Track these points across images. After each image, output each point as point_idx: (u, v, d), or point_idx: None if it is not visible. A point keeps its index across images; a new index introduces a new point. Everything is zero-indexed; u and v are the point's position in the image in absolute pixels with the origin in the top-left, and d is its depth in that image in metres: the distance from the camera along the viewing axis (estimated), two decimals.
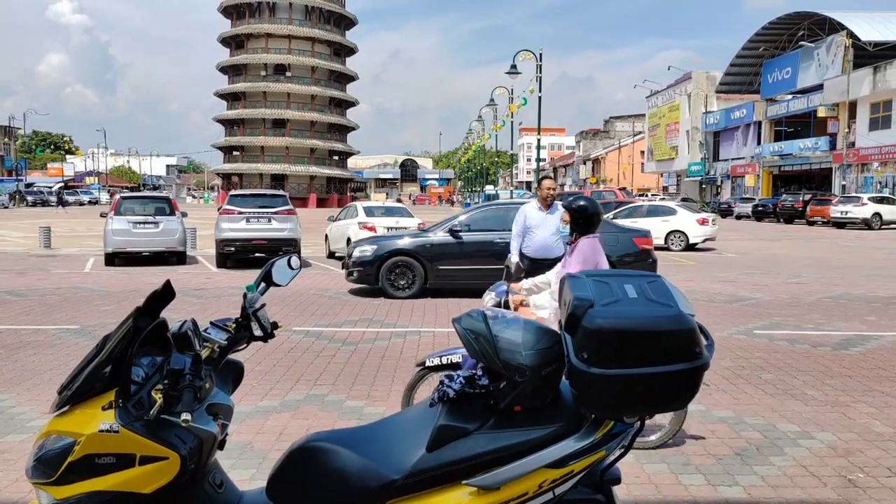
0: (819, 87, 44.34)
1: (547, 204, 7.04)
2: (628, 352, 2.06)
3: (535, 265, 6.67)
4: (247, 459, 4.36)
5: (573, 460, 2.20)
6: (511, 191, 51.44)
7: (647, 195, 55.05)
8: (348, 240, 16.53)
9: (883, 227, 31.38)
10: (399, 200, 51.95)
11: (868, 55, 41.27)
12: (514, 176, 75.59)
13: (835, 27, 44.31)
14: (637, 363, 2.06)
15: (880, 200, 32.84)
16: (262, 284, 2.69)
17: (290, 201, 16.88)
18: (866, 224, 31.30)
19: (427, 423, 2.32)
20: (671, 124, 65.03)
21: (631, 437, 2.29)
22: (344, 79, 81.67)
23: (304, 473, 2.31)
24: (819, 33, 46.53)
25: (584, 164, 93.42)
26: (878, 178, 40.07)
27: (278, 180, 73.34)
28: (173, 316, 2.26)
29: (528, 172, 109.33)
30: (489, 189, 69.48)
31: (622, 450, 2.30)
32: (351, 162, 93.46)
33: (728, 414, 5.34)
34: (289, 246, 15.20)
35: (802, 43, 47.05)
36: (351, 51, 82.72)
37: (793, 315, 9.69)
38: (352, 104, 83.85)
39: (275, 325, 2.66)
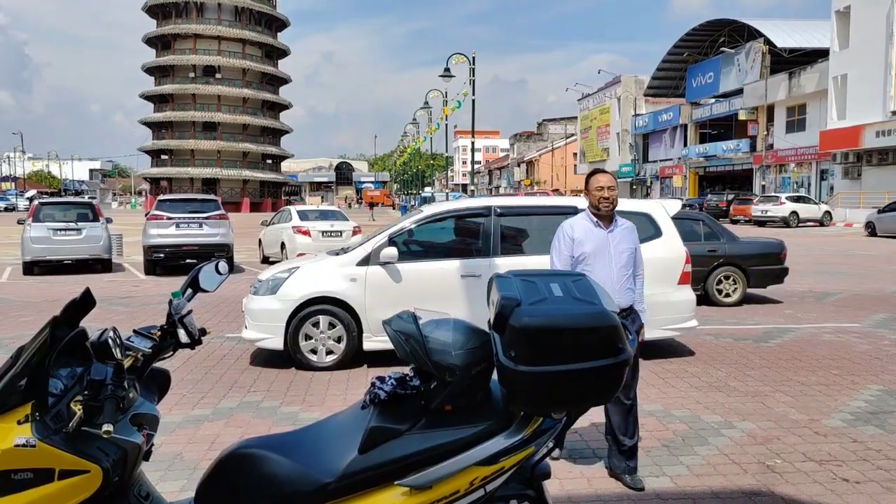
0: (740, 92, 46.13)
1: (604, 214, 4.09)
2: (554, 349, 2.12)
3: None
4: (177, 470, 4.26)
5: (504, 457, 2.24)
6: (447, 193, 51.71)
7: (580, 196, 56.18)
8: (282, 244, 16.32)
9: (800, 224, 32.87)
10: (361, 201, 50.29)
11: (784, 61, 43.17)
12: (450, 178, 75.97)
13: (753, 34, 46.19)
14: (563, 360, 2.12)
15: (797, 200, 34.40)
16: (189, 290, 2.64)
17: (223, 206, 16.54)
18: (785, 222, 32.72)
19: (359, 425, 2.32)
20: (602, 126, 66.53)
21: (559, 432, 2.36)
22: (276, 81, 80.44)
23: (233, 481, 2.28)
24: (739, 40, 48.43)
25: (519, 166, 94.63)
26: (795, 178, 42.00)
27: (210, 184, 71.61)
28: (97, 325, 2.20)
29: (464, 175, 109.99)
30: (428, 191, 69.63)
31: (552, 445, 2.36)
32: (285, 165, 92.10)
33: (657, 408, 5.51)
34: (221, 251, 14.88)
35: (723, 49, 48.90)
36: (283, 53, 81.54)
37: (714, 311, 10.06)
38: (285, 107, 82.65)
39: (203, 332, 2.61)
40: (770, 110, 43.85)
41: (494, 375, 2.27)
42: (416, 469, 2.21)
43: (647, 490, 4.02)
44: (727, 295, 10.73)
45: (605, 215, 4.06)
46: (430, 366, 2.28)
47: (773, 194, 36.82)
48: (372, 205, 60.29)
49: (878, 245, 22.63)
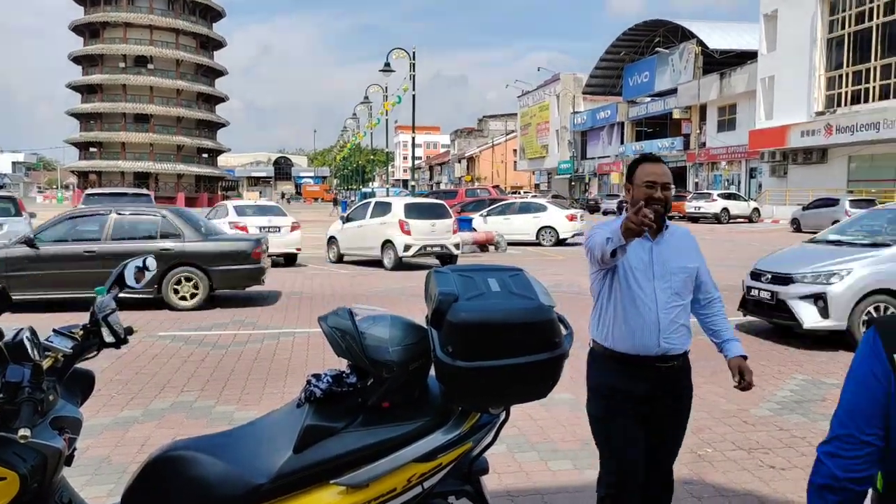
0: (674, 91, 47.39)
1: (651, 221, 2.46)
2: (491, 344, 2.11)
3: (625, 376, 2.84)
4: (104, 475, 4.10)
5: (441, 453, 2.23)
6: (388, 189, 51.47)
7: (519, 192, 56.78)
8: None
9: (730, 220, 34.01)
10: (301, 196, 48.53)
11: (715, 62, 44.55)
12: (391, 174, 75.68)
13: (686, 35, 47.51)
14: (500, 355, 2.11)
15: (728, 197, 35.59)
16: (115, 288, 2.53)
17: (156, 201, 16.06)
18: (716, 218, 33.80)
19: (294, 424, 2.27)
20: (542, 124, 67.39)
21: (497, 427, 2.36)
22: (212, 73, 78.51)
23: (161, 485, 2.20)
24: (673, 40, 49.73)
25: (460, 162, 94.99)
26: (726, 175, 43.45)
27: (142, 179, 69.44)
28: (15, 325, 2.08)
29: (405, 170, 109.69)
30: (375, 185, 69.12)
31: (490, 440, 2.36)
32: (222, 159, 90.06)
33: None
34: None
35: (659, 49, 50.15)
36: (219, 44, 79.65)
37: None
38: (221, 100, 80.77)
39: (129, 331, 2.51)
40: (703, 110, 45.18)
41: (432, 371, 2.25)
42: (353, 467, 2.18)
43: (585, 482, 4.07)
44: (183, 298, 9.79)
45: (656, 222, 2.65)
46: (367, 362, 2.25)
47: (705, 191, 37.95)
48: (335, 201, 59.85)
49: (800, 239, 23.58)
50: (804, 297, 7.46)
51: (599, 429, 2.89)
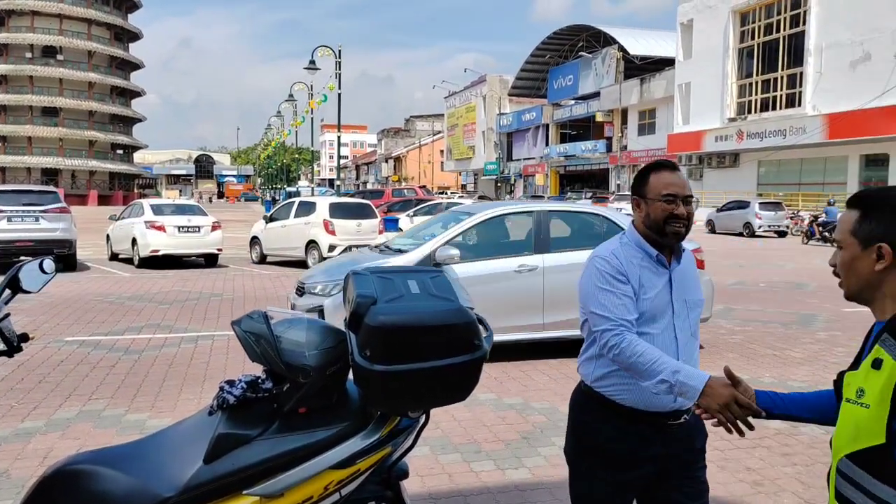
0: (597, 95, 48.58)
1: (670, 244, 2.31)
2: (410, 347, 2.07)
3: (628, 434, 2.30)
4: (3, 490, 3.84)
5: (359, 459, 2.17)
6: (312, 188, 50.74)
7: (446, 193, 57.06)
8: (133, 240, 15.31)
9: None
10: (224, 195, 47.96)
11: (636, 67, 45.95)
12: (317, 173, 74.68)
13: (609, 41, 48.80)
14: (419, 358, 2.07)
15: None
16: (7, 291, 2.36)
17: (65, 198, 15.30)
18: None
19: (205, 433, 2.17)
20: (468, 124, 67.86)
21: (417, 431, 2.32)
22: (127, 66, 75.53)
23: (58, 502, 2.06)
24: (596, 45, 50.98)
25: (387, 162, 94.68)
26: None
27: (51, 175, 66.18)
28: None
29: (331, 169, 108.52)
30: (302, 184, 67.87)
31: (410, 444, 2.32)
32: (138, 156, 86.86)
33: (517, 400, 5.64)
34: (61, 248, 13.76)
35: (582, 53, 51.29)
36: (135, 36, 76.72)
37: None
38: (137, 94, 77.83)
39: (23, 338, 2.34)
40: (624, 113, 46.50)
41: (351, 375, 2.20)
42: (268, 476, 2.10)
43: (507, 482, 4.09)
44: None
45: (672, 243, 2.30)
46: (283, 367, 2.17)
47: (626, 193, 39.04)
48: (273, 200, 58.49)
49: (716, 241, 24.55)
50: (310, 311, 6.74)
51: (579, 491, 2.41)
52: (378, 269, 2.34)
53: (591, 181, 51.60)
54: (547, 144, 55.42)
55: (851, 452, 1.51)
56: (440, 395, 2.20)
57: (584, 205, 8.56)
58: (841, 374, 1.72)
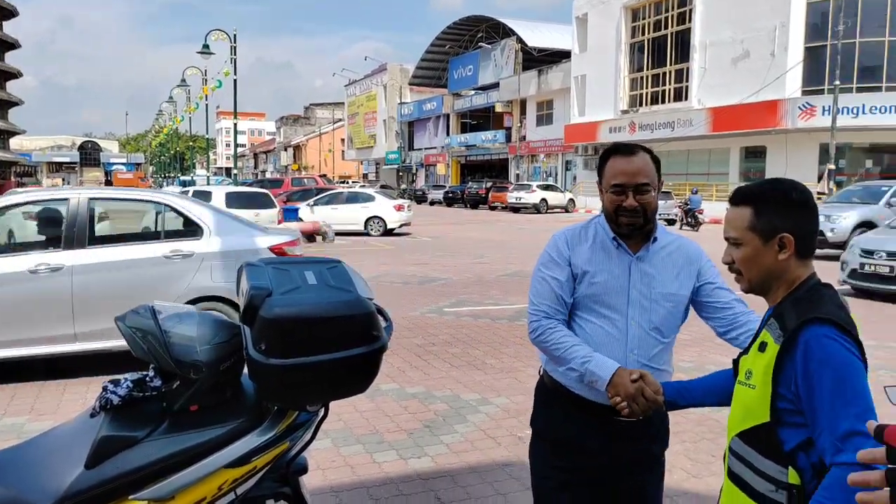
0: (496, 86, 49.27)
1: (626, 229, 2.16)
2: (307, 339, 2.02)
3: (580, 424, 2.23)
4: None
5: (255, 456, 2.11)
6: (208, 177, 49.04)
7: (347, 182, 56.42)
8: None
9: (549, 211, 36.02)
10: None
11: (534, 59, 46.91)
12: (213, 161, 72.12)
13: (507, 32, 49.57)
14: (317, 350, 2.03)
15: (546, 188, 37.63)
16: None
17: None
18: (536, 209, 35.64)
19: (88, 436, 2.04)
20: (369, 113, 67.32)
21: (316, 425, 2.28)
22: (1, 45, 70.23)
23: None
24: (495, 37, 51.65)
25: (286, 150, 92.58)
26: (545, 168, 45.98)
27: None
28: None
29: (228, 158, 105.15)
30: (201, 173, 65.15)
31: (308, 439, 2.28)
32: (15, 142, 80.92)
33: (419, 389, 5.65)
34: None
35: (482, 44, 51.88)
36: (9, 13, 71.30)
37: (476, 292, 10.63)
38: (13, 76, 72.48)
39: None
40: (523, 104, 47.39)
41: (246, 370, 2.13)
42: (157, 479, 2.00)
43: (410, 472, 4.09)
44: None
45: (627, 234, 2.17)
46: (172, 364, 2.07)
47: (526, 183, 39.92)
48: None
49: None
50: None
51: (540, 487, 2.32)
52: (274, 260, 2.28)
53: (492, 171, 52.39)
54: (448, 134, 55.79)
55: (741, 431, 1.59)
56: (339, 388, 2.17)
57: (140, 192, 7.57)
58: (739, 357, 1.80)
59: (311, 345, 2.02)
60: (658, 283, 2.18)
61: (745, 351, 1.73)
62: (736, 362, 1.79)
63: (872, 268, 10.35)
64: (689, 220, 25.41)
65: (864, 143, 27.87)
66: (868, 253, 10.48)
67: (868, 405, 1.43)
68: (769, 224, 1.61)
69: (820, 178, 25.11)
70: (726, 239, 1.71)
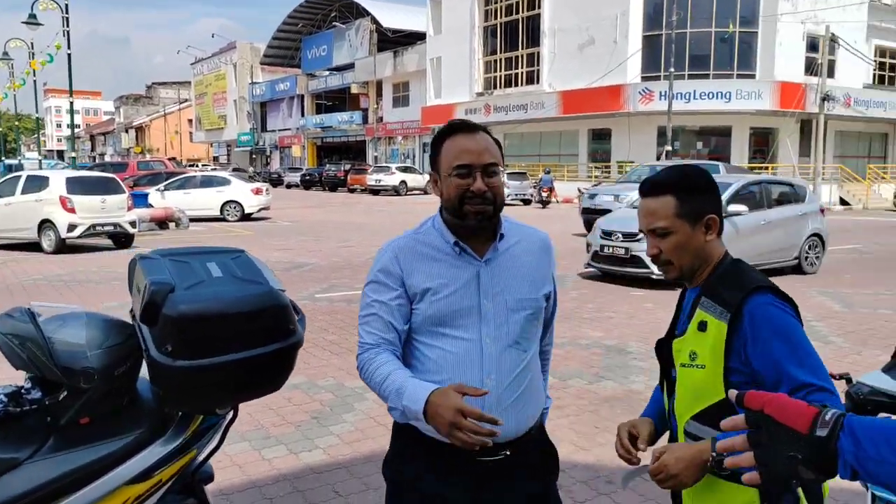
0: (351, 66, 48.61)
1: (475, 225, 1.81)
2: (219, 337, 1.86)
3: (437, 471, 1.83)
4: None
5: (160, 468, 1.93)
6: (40, 160, 44.72)
7: (197, 165, 53.62)
8: None
9: (408, 193, 36.16)
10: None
11: (389, 40, 46.65)
12: (43, 143, 66.00)
13: (361, 12, 48.89)
14: (229, 349, 1.87)
15: (405, 170, 37.71)
16: None
17: None
18: (395, 191, 35.66)
19: None
20: (218, 93, 64.29)
21: (225, 428, 2.12)
22: None
23: None
24: (349, 16, 50.81)
25: (127, 131, 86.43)
26: (403, 150, 46.04)
27: None
28: None
29: (60, 140, 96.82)
30: (32, 157, 59.08)
31: (216, 444, 2.11)
32: None
33: (302, 380, 5.47)
34: None
35: (336, 23, 50.90)
36: None
37: (347, 277, 10.47)
38: None
39: None
40: (379, 85, 47.12)
41: (144, 373, 1.93)
42: None
43: (302, 466, 3.95)
44: None
45: (476, 226, 1.82)
46: (60, 373, 1.84)
47: (384, 165, 39.77)
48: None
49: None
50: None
51: None
52: (170, 252, 2.08)
53: (349, 153, 51.82)
54: (303, 115, 54.48)
55: (696, 413, 1.62)
56: (253, 388, 2.02)
57: None
58: (660, 342, 1.83)
59: (223, 343, 1.86)
60: (512, 289, 1.84)
61: (672, 335, 1.75)
62: (661, 348, 1.81)
63: (611, 250, 9.91)
64: (541, 197, 26.64)
65: (696, 126, 30.20)
66: (607, 234, 10.03)
67: (818, 360, 1.53)
68: (694, 208, 1.65)
69: (658, 158, 26.94)
70: (650, 231, 1.69)
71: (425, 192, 37.04)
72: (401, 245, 1.93)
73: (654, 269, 8.37)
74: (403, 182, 36.09)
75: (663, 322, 7.41)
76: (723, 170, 18.23)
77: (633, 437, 1.77)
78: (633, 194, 14.28)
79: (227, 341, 1.86)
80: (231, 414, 2.12)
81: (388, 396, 1.73)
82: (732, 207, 9.72)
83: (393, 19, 47.49)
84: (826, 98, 27.92)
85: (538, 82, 34.90)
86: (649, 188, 1.70)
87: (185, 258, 2.02)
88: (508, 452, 1.81)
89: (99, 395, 1.88)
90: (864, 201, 28.69)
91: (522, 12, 35.81)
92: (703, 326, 1.61)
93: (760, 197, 10.58)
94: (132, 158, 45.75)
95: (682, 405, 1.66)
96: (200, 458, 2.09)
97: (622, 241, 9.79)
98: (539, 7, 34.44)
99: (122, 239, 14.30)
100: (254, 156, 61.27)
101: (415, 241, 1.92)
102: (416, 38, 44.57)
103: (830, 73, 28.84)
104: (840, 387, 2.37)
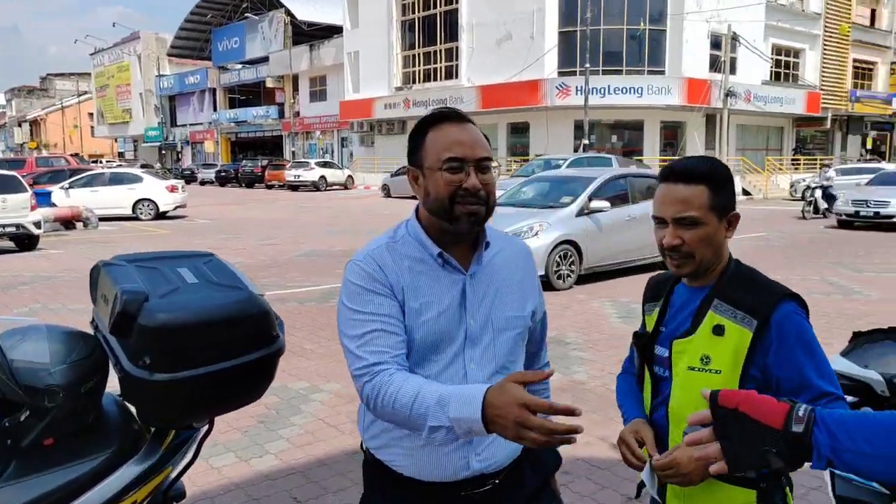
0: (266, 60, 47.42)
1: (462, 232, 1.60)
2: (200, 347, 1.75)
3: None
4: None
5: (134, 489, 1.81)
6: None
7: (101, 161, 51.12)
8: None
9: (328, 188, 35.66)
10: None
11: (304, 33, 45.78)
12: None
13: (275, 4, 47.78)
14: (211, 359, 1.76)
15: (325, 165, 37.16)
16: None
17: None
18: (315, 186, 35.09)
19: None
20: (122, 85, 61.47)
21: (200, 441, 2.00)
22: None
23: None
24: (262, 7, 49.57)
25: (20, 126, 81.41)
26: (321, 145, 45.35)
27: None
28: None
29: None
30: None
31: (191, 459, 2.00)
32: None
33: None
34: None
35: (248, 15, 49.50)
36: None
37: (275, 275, 10.21)
38: None
39: None
40: (295, 79, 46.17)
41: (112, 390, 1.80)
42: None
43: (254, 473, 3.82)
44: None
45: (468, 231, 1.61)
46: (21, 392, 1.69)
47: (303, 160, 39.05)
48: None
49: (393, 204, 25.89)
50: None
51: None
52: (135, 258, 1.94)
53: (265, 148, 50.60)
54: (215, 109, 52.80)
55: None
56: (234, 399, 1.92)
57: None
58: (641, 337, 1.78)
59: (204, 353, 1.76)
60: (499, 306, 1.64)
61: (674, 335, 1.68)
62: (643, 344, 1.76)
63: None
64: None
65: (610, 120, 31.07)
66: None
67: (832, 370, 1.57)
68: (722, 202, 1.61)
69: (576, 151, 27.57)
70: (676, 220, 1.60)
71: (345, 188, 36.63)
72: (379, 254, 1.63)
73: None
74: (323, 177, 35.57)
75: (598, 314, 7.61)
76: (615, 163, 18.77)
77: (640, 444, 1.70)
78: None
79: (208, 351, 1.76)
80: (206, 427, 2.01)
81: (425, 415, 1.36)
82: (595, 203, 9.56)
83: (308, 12, 46.62)
84: (729, 94, 29.29)
85: (457, 77, 35.01)
86: (681, 175, 1.60)
87: (153, 264, 1.90)
88: (497, 481, 1.63)
89: (64, 413, 1.75)
90: (765, 191, 30.26)
91: (440, 7, 35.83)
92: (719, 331, 1.57)
93: (627, 191, 10.31)
94: (29, 155, 43.20)
95: (684, 409, 1.58)
96: (174, 475, 1.97)
97: None
98: (457, 2, 34.54)
99: (25, 241, 13.46)
100: (163, 151, 58.95)
101: (390, 250, 1.63)
102: (333, 31, 43.94)
103: (733, 70, 30.23)
104: None
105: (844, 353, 2.49)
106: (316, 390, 5.15)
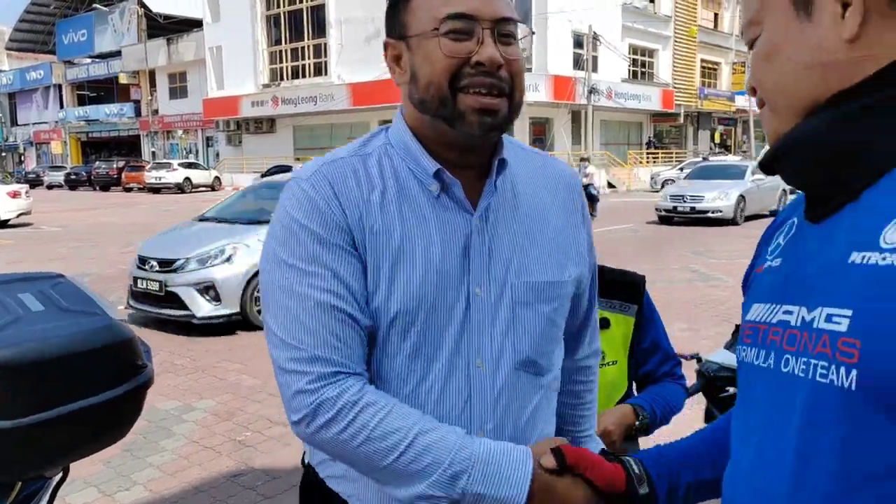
0: (118, 54, 44.54)
1: (472, 136, 1.01)
2: (52, 386, 1.50)
3: None
4: None
5: None
6: None
7: None
8: None
9: (194, 190, 34.00)
10: None
11: (161, 27, 43.35)
12: None
13: None
14: (65, 398, 1.51)
15: (189, 166, 35.37)
16: None
17: None
18: (179, 188, 33.35)
19: None
20: None
21: (54, 489, 1.74)
22: None
23: None
24: None
25: None
26: (184, 144, 43.12)
27: None
28: None
29: None
30: None
31: None
32: None
33: None
34: None
35: (96, 5, 46.27)
36: None
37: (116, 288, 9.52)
38: None
39: None
40: (152, 75, 43.68)
41: None
42: None
43: None
44: None
45: (473, 140, 1.04)
46: None
47: (165, 161, 37.01)
48: None
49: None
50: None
51: None
52: None
53: (121, 149, 47.55)
54: (62, 107, 49.06)
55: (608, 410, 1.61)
56: (95, 441, 1.66)
57: None
58: None
59: (58, 393, 1.51)
60: (522, 266, 1.09)
61: None
62: None
63: (145, 284, 7.23)
64: None
65: None
66: (142, 263, 7.31)
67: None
68: None
69: None
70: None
71: (212, 189, 35.11)
72: (339, 172, 1.05)
73: (198, 310, 6.50)
74: (188, 179, 33.89)
75: None
76: None
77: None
78: None
79: (63, 390, 1.51)
80: (61, 474, 1.74)
81: (421, 474, 0.93)
82: None
83: (163, 4, 44.11)
84: (592, 91, 30.63)
85: (326, 74, 34.40)
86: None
87: None
88: None
89: None
90: (628, 184, 31.93)
91: (306, 2, 35.06)
92: (605, 324, 1.68)
93: None
94: None
95: (598, 407, 1.66)
96: None
97: (157, 271, 6.99)
98: None
99: None
100: (3, 154, 54.08)
101: (359, 167, 1.06)
102: (192, 25, 41.88)
103: (595, 68, 31.63)
104: (691, 365, 2.53)
105: (728, 346, 2.57)
106: (188, 409, 4.80)
